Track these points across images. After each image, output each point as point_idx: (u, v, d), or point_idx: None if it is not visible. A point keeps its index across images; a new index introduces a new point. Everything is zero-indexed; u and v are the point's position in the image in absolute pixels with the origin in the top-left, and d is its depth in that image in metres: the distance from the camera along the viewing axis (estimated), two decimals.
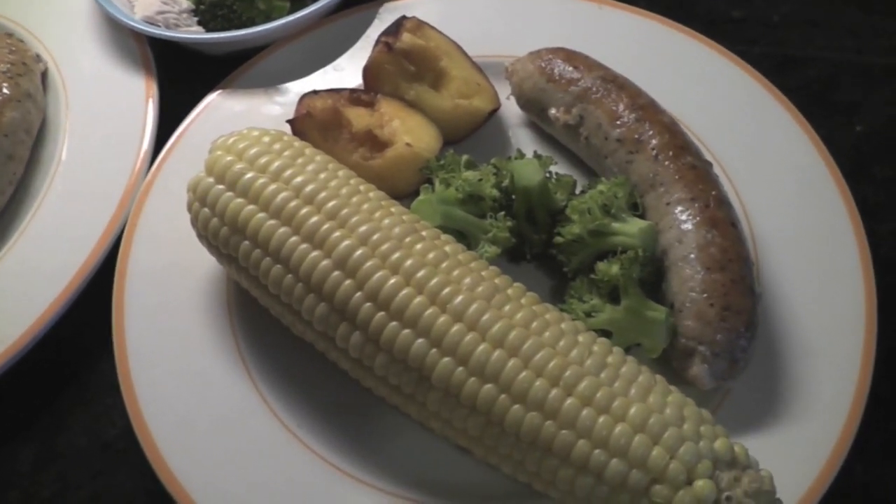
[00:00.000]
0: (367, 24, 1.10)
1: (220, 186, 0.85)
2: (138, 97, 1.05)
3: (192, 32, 1.09)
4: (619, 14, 1.10)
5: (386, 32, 1.01)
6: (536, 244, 0.91)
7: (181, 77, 1.10)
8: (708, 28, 1.09)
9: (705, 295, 0.84)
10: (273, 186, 0.83)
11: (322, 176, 0.84)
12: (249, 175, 0.84)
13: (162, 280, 0.93)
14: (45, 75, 1.09)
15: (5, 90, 1.01)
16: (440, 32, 1.04)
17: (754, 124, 1.01)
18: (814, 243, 0.94)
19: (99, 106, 1.06)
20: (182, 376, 0.87)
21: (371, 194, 0.85)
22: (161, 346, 0.89)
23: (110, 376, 0.89)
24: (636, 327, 0.84)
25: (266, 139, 0.87)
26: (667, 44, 1.08)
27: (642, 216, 0.90)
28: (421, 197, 0.90)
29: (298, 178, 0.83)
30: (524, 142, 1.03)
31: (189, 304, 0.92)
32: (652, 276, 0.87)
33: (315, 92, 0.99)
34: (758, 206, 0.95)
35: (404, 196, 0.95)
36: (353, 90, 1.00)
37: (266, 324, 0.89)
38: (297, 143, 0.88)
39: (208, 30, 1.09)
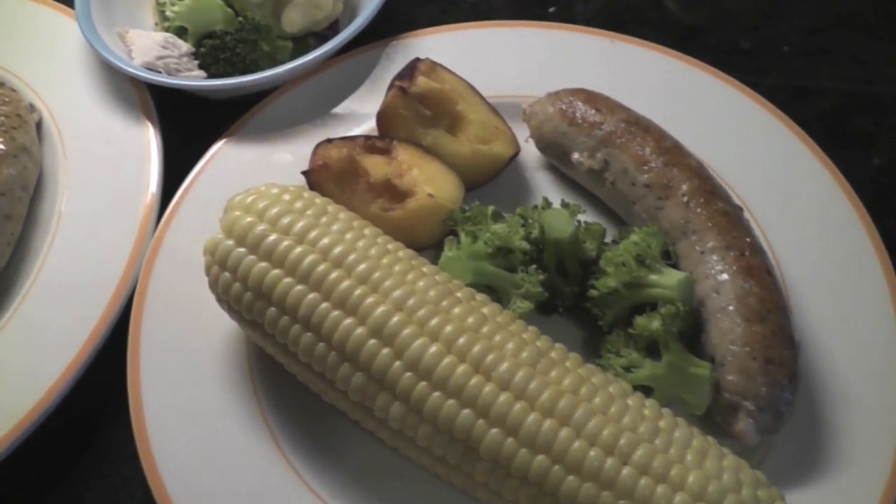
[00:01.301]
0: (374, 63, 1.07)
1: (242, 249, 0.81)
2: (140, 147, 1.00)
3: (194, 77, 1.04)
4: (631, 49, 1.08)
5: (400, 76, 0.98)
6: (568, 297, 0.89)
7: (183, 123, 1.06)
8: (718, 59, 1.08)
9: (747, 348, 0.82)
10: (299, 249, 0.79)
11: (348, 236, 0.81)
12: (273, 237, 0.80)
13: (177, 344, 0.88)
14: (39, 125, 1.04)
15: (0, 146, 0.96)
16: (454, 74, 1.01)
17: (775, 162, 0.99)
18: (843, 284, 0.92)
19: (99, 157, 1.01)
20: (205, 446, 0.83)
21: (400, 253, 0.81)
22: (181, 414, 0.85)
23: (127, 445, 0.85)
24: (679, 383, 0.82)
25: (286, 197, 0.83)
26: (681, 78, 1.06)
27: (675, 265, 0.88)
28: (449, 253, 0.87)
29: (325, 240, 0.80)
30: (545, 186, 1.00)
31: (208, 368, 0.87)
32: (690, 328, 0.84)
33: (329, 140, 0.95)
34: (785, 249, 0.93)
35: (426, 247, 0.92)
36: (367, 137, 0.96)
37: (291, 387, 0.86)
38: (319, 199, 0.85)
39: (210, 74, 1.05)
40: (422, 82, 0.97)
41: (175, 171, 1.00)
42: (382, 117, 0.97)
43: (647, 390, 0.81)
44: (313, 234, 0.80)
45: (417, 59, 0.99)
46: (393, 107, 0.97)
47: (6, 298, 0.93)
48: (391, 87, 0.98)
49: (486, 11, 1.18)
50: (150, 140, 1.00)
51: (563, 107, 0.97)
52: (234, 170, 0.99)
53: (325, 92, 1.05)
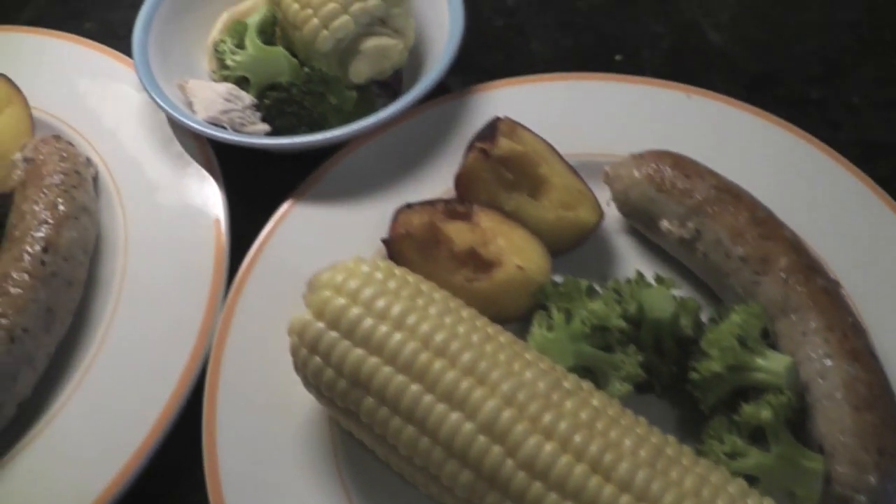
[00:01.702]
0: (447, 118, 1.03)
1: (335, 334, 0.77)
2: (204, 205, 0.96)
3: (258, 131, 1.00)
4: (708, 103, 1.05)
5: (480, 137, 0.94)
6: (666, 377, 0.85)
7: (243, 175, 1.01)
8: (788, 110, 1.05)
9: (857, 439, 0.79)
10: (398, 336, 0.75)
11: (447, 320, 0.77)
12: (369, 322, 0.76)
13: (256, 423, 0.84)
14: (95, 180, 0.99)
15: (61, 207, 0.91)
16: (533, 133, 0.97)
17: (864, 230, 0.96)
18: None
19: (160, 215, 0.96)
20: None
21: (502, 339, 0.78)
22: (263, 501, 0.81)
23: None
24: (789, 475, 0.79)
25: (378, 275, 0.79)
26: (759, 135, 1.03)
27: (774, 344, 0.86)
28: (548, 334, 0.84)
29: (424, 326, 0.76)
30: (628, 253, 0.97)
31: (290, 450, 0.84)
32: (795, 414, 0.82)
33: (409, 206, 0.91)
34: (880, 326, 0.91)
35: (511, 320, 0.88)
36: (447, 201, 0.93)
37: (379, 472, 0.82)
38: (411, 277, 0.81)
39: (275, 126, 1.01)
40: (504, 144, 0.93)
41: (239, 229, 0.95)
42: (462, 180, 0.94)
43: (750, 478, 0.78)
44: (412, 318, 0.76)
45: (498, 119, 0.95)
46: (474, 170, 0.93)
47: (70, 369, 0.88)
48: (471, 148, 0.94)
49: (550, 59, 1.14)
50: (214, 198, 0.96)
51: (651, 172, 0.93)
52: (306, 232, 0.94)
53: (397, 148, 1.01)
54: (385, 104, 1.07)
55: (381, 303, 0.77)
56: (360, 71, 1.02)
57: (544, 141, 0.97)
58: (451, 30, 1.02)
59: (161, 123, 1.02)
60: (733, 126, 1.03)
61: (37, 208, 0.90)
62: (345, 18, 0.99)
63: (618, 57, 1.14)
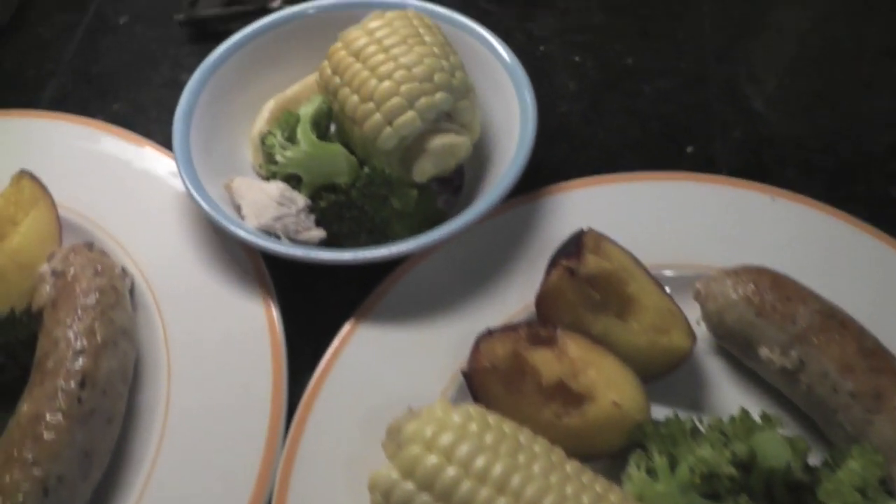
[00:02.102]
0: (519, 223, 0.94)
1: (426, 498, 0.68)
2: (257, 324, 0.86)
3: (315, 237, 0.90)
4: (793, 207, 0.97)
5: (565, 254, 0.86)
6: None
7: (299, 286, 0.92)
8: (870, 211, 0.98)
9: None
10: (502, 501, 0.67)
11: (553, 479, 0.69)
12: (467, 486, 0.67)
13: None
14: (131, 293, 0.89)
15: (98, 334, 0.81)
16: (617, 245, 0.89)
17: None
18: None
19: (207, 335, 0.86)
20: None
21: (598, 488, 0.70)
22: None
23: None
24: None
25: (473, 427, 0.71)
26: (847, 242, 0.95)
27: (891, 491, 0.78)
28: (654, 484, 0.75)
29: (528, 489, 0.67)
30: (722, 378, 0.88)
31: None
32: None
33: (490, 333, 0.82)
34: None
35: (601, 457, 0.80)
36: (530, 325, 0.84)
37: None
38: (507, 426, 0.73)
39: (331, 231, 0.91)
40: (591, 262, 0.85)
41: (294, 347, 0.86)
42: (545, 301, 0.85)
43: None
44: (515, 481, 0.68)
45: (582, 232, 0.87)
46: (558, 290, 0.84)
47: None
48: (554, 265, 0.85)
49: (617, 150, 1.07)
50: (269, 315, 0.86)
51: (749, 293, 0.86)
52: (374, 357, 0.85)
53: (466, 258, 0.92)
54: (447, 201, 0.99)
55: (479, 462, 0.69)
56: (425, 170, 0.93)
57: (629, 254, 0.89)
58: (522, 129, 0.94)
59: (205, 225, 0.92)
60: (821, 232, 0.96)
61: (71, 335, 0.80)
62: (410, 115, 0.90)
63: (689, 149, 1.07)
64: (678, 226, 0.95)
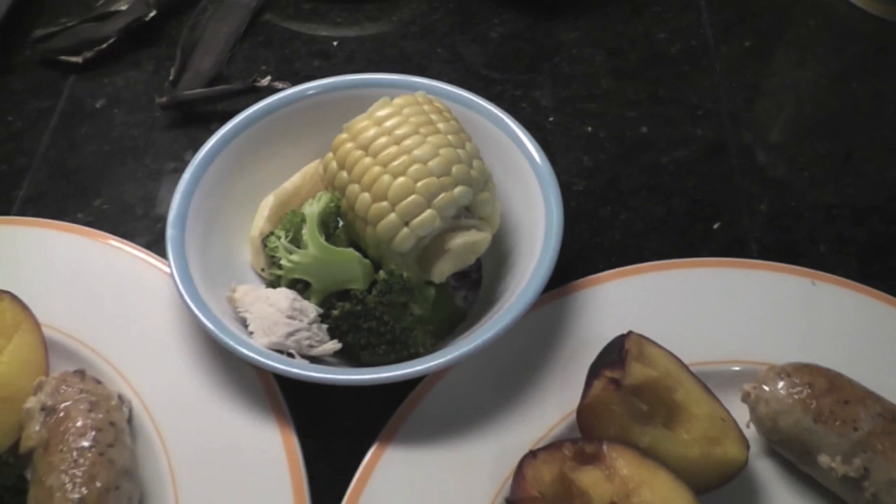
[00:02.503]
0: (550, 323, 0.87)
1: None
2: (272, 451, 0.78)
3: (329, 350, 0.83)
4: (834, 290, 0.91)
5: (608, 363, 0.79)
6: None
7: (314, 404, 0.84)
8: None
9: None
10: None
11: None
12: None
13: None
14: (129, 422, 0.80)
15: (98, 480, 0.72)
16: (660, 347, 0.82)
17: None
18: None
19: (217, 469, 0.78)
20: None
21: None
22: None
23: None
24: None
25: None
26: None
27: None
28: None
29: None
30: (778, 487, 0.81)
31: None
32: None
33: (533, 455, 0.75)
34: None
35: None
36: (574, 441, 0.77)
37: None
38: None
39: (346, 342, 0.84)
40: (636, 371, 0.78)
41: (314, 474, 0.78)
42: (589, 414, 0.78)
43: None
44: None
45: (624, 337, 0.80)
46: (602, 402, 0.77)
47: None
48: (597, 374, 0.78)
49: (641, 230, 1.00)
50: (286, 444, 0.78)
51: (803, 396, 0.79)
52: (404, 483, 0.78)
53: (495, 365, 0.84)
54: (465, 298, 0.92)
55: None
56: (445, 270, 0.86)
57: (672, 355, 0.82)
58: (547, 221, 0.87)
59: (208, 342, 0.84)
60: (867, 318, 0.89)
61: (67, 482, 0.72)
62: (429, 214, 0.83)
63: (716, 226, 1.01)
64: (717, 317, 0.89)
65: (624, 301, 0.89)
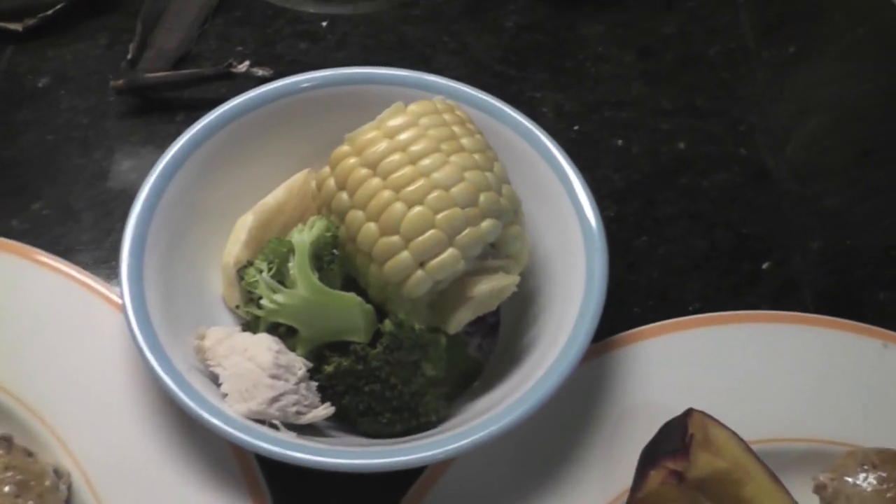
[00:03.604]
0: (584, 387, 0.73)
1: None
2: None
3: (320, 416, 0.67)
4: None
5: (669, 451, 0.64)
6: None
7: (299, 489, 0.69)
8: None
9: None
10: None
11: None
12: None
13: None
14: (68, 501, 0.64)
15: None
16: (724, 428, 0.68)
17: None
18: None
19: None
20: None
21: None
22: None
23: None
24: None
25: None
26: None
27: None
28: None
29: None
30: None
31: None
32: None
33: None
34: None
35: None
36: None
37: None
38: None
39: (341, 406, 0.68)
40: (703, 462, 0.64)
41: None
42: None
43: None
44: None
45: (686, 418, 0.66)
46: (661, 499, 0.63)
47: None
48: (654, 463, 0.64)
49: (684, 268, 0.86)
50: None
51: (893, 494, 0.67)
52: None
53: (526, 439, 0.70)
54: (480, 347, 0.77)
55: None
56: (463, 320, 0.71)
57: (737, 437, 0.68)
58: (588, 270, 0.72)
59: (169, 405, 0.68)
60: None
61: None
62: (451, 254, 0.67)
63: (765, 265, 0.87)
64: (777, 383, 0.76)
65: (671, 361, 0.75)
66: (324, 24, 1.01)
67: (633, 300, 0.83)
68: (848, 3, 1.09)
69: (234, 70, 0.92)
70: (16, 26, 0.95)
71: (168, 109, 0.92)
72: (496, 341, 0.78)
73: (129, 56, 0.93)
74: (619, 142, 0.94)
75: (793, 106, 1.00)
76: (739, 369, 0.76)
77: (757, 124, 0.97)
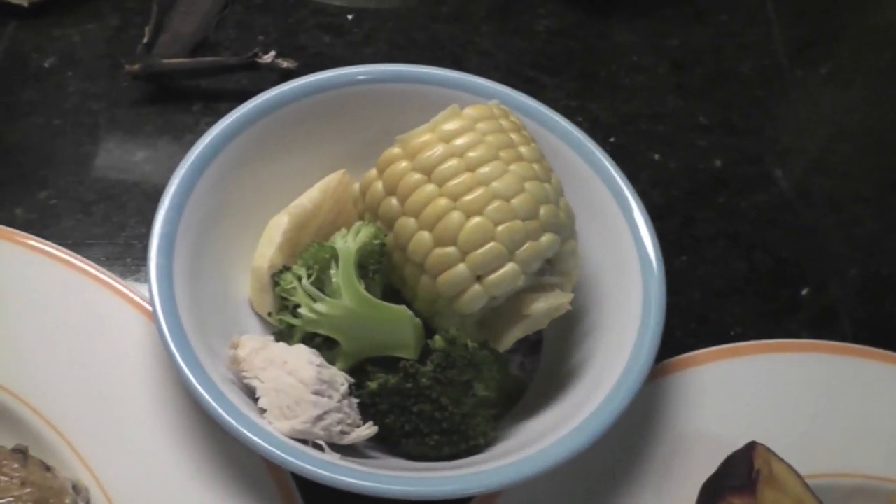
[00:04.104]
0: (635, 418, 0.69)
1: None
2: None
3: (363, 436, 0.62)
4: None
5: (734, 488, 0.61)
6: None
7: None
8: None
9: None
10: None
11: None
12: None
13: None
14: None
15: None
16: (785, 463, 0.65)
17: None
18: None
19: None
20: None
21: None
22: None
23: None
24: None
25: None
26: None
27: None
28: None
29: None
30: None
31: None
32: None
33: None
34: None
35: None
36: None
37: None
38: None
39: (384, 425, 0.63)
40: (768, 499, 0.61)
41: None
42: None
43: None
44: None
45: (751, 451, 0.63)
46: None
47: None
48: (719, 498, 0.61)
49: (722, 290, 0.84)
50: None
51: None
52: None
53: (577, 468, 0.66)
54: (523, 365, 0.73)
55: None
56: (514, 338, 0.67)
57: (797, 474, 0.65)
58: (646, 292, 0.69)
59: (199, 416, 0.62)
60: None
61: None
62: (511, 269, 0.63)
63: (804, 291, 0.84)
64: (829, 416, 0.73)
65: (724, 390, 0.72)
66: (349, 17, 0.96)
67: (673, 322, 0.79)
68: (877, 26, 1.08)
69: (259, 61, 0.86)
70: (20, 1, 0.89)
71: (185, 99, 0.86)
72: (538, 360, 0.74)
73: (144, 40, 0.87)
74: (656, 156, 0.91)
75: (827, 129, 0.98)
76: (792, 400, 0.73)
77: (793, 146, 0.95)
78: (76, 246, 0.74)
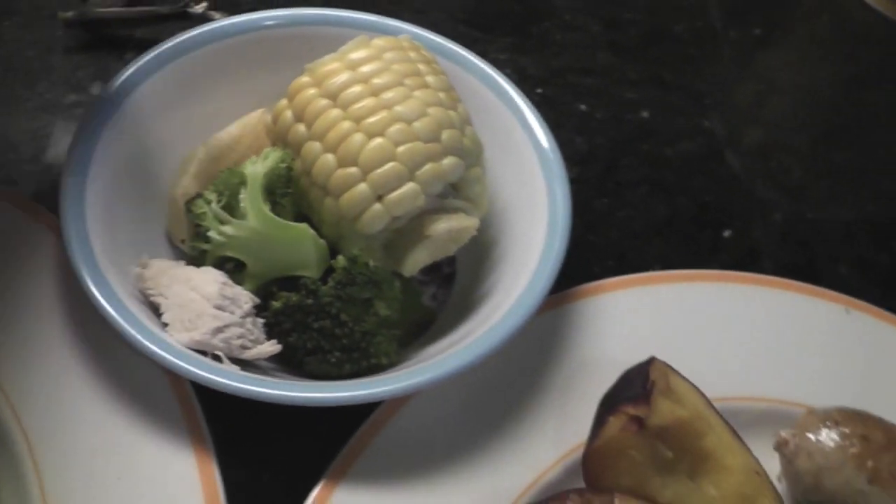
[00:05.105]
0: (538, 339, 0.70)
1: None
2: (184, 488, 0.58)
3: (265, 352, 0.64)
4: (871, 322, 0.77)
5: (629, 398, 0.62)
6: None
7: (242, 430, 0.65)
8: None
9: None
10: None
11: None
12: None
13: None
14: None
15: None
16: (685, 380, 0.66)
17: None
18: None
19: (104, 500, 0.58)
20: None
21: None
22: None
23: None
24: None
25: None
26: None
27: None
28: None
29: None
30: None
31: None
32: None
33: None
34: None
35: None
36: (579, 492, 0.60)
37: None
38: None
39: (287, 343, 0.65)
40: (664, 409, 0.62)
41: None
42: (600, 460, 0.61)
43: None
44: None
45: (648, 365, 0.64)
46: (620, 446, 0.61)
47: None
48: (613, 409, 0.62)
49: (641, 231, 0.85)
50: (202, 476, 0.59)
51: (857, 451, 0.65)
52: None
53: (478, 387, 0.67)
54: (434, 296, 0.74)
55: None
56: (419, 262, 0.68)
57: (698, 390, 0.66)
58: (551, 221, 0.70)
59: (105, 333, 0.63)
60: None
61: None
62: (410, 188, 0.65)
63: (726, 233, 0.86)
64: (739, 343, 0.74)
65: (631, 316, 0.73)
66: None
67: (590, 260, 0.81)
68: None
69: (190, 11, 0.88)
70: None
71: (118, 47, 0.88)
72: (450, 292, 0.75)
73: None
74: (583, 107, 0.93)
75: (757, 85, 1.00)
76: (702, 327, 0.74)
77: (722, 100, 0.97)
78: (7, 182, 0.75)
